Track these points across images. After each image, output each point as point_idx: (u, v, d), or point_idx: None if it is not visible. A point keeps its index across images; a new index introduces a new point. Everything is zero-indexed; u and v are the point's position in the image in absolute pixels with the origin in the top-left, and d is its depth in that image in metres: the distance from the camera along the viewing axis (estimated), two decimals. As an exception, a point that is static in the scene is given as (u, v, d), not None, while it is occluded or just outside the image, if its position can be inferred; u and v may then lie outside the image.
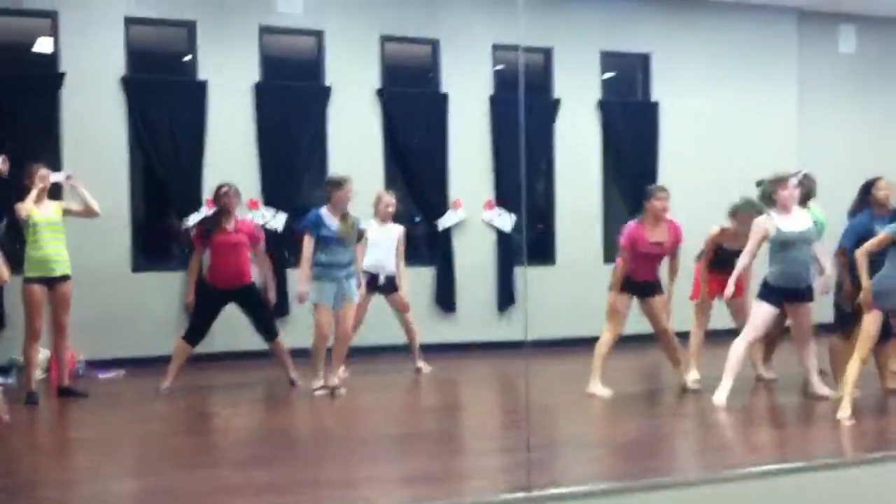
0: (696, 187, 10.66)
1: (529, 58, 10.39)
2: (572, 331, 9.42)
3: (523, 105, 9.07)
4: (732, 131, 10.98)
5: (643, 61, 10.86)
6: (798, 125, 11.32)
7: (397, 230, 8.18)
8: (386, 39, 9.84)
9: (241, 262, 7.49)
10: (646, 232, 7.01)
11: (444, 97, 10.00)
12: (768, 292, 6.73)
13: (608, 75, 10.76)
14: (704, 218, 10.52)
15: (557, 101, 10.41)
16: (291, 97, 9.52)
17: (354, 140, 9.69)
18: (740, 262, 6.79)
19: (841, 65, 11.69)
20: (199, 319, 7.53)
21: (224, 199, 7.52)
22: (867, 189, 7.14)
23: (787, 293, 6.73)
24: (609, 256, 10.20)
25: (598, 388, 7.04)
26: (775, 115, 11.21)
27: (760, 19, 11.09)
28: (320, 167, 9.61)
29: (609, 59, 10.72)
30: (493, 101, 10.12)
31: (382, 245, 8.08)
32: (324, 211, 7.17)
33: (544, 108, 10.35)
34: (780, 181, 6.75)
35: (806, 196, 7.49)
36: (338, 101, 9.63)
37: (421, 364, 8.45)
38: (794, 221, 6.70)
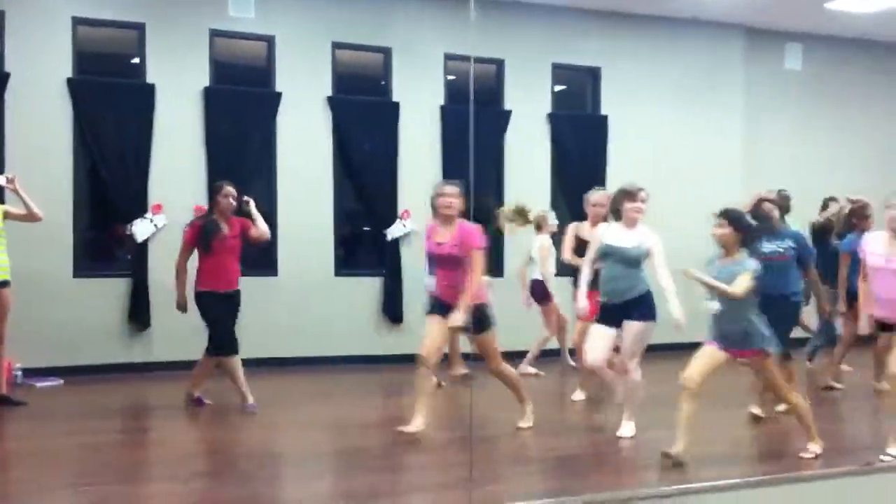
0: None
1: (481, 69, 10.44)
2: (523, 344, 9.39)
3: (474, 115, 9.19)
4: (680, 145, 11.14)
5: (593, 75, 10.97)
6: (744, 140, 11.51)
7: None
8: (337, 46, 9.82)
9: (237, 265, 7.16)
10: (433, 231, 6.24)
11: (396, 106, 10.00)
12: (600, 310, 6.35)
13: (559, 88, 10.84)
14: (651, 229, 10.69)
15: (508, 113, 10.47)
16: (241, 102, 9.45)
17: (304, 147, 9.65)
18: (582, 276, 6.52)
19: (787, 81, 11.91)
20: (223, 326, 7.04)
21: (223, 200, 7.13)
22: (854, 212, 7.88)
23: (614, 309, 6.22)
24: (557, 267, 10.28)
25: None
26: (722, 129, 11.38)
27: (708, 35, 11.26)
28: (269, 174, 9.56)
29: (560, 72, 10.81)
30: (444, 110, 10.15)
31: None
32: None
33: (495, 119, 10.40)
34: (628, 193, 6.38)
35: (783, 212, 7.70)
36: (288, 108, 9.58)
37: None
38: (627, 237, 6.27)
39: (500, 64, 10.47)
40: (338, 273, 9.76)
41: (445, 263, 6.12)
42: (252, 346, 7.64)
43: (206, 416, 7.38)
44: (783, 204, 7.70)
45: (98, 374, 8.39)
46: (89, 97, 8.85)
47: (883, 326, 5.93)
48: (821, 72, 12.00)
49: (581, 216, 9.63)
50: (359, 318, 8.37)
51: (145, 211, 8.96)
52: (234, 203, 7.18)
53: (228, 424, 6.93)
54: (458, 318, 5.89)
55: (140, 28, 9.11)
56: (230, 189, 7.17)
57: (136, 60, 9.19)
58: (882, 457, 5.54)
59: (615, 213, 6.39)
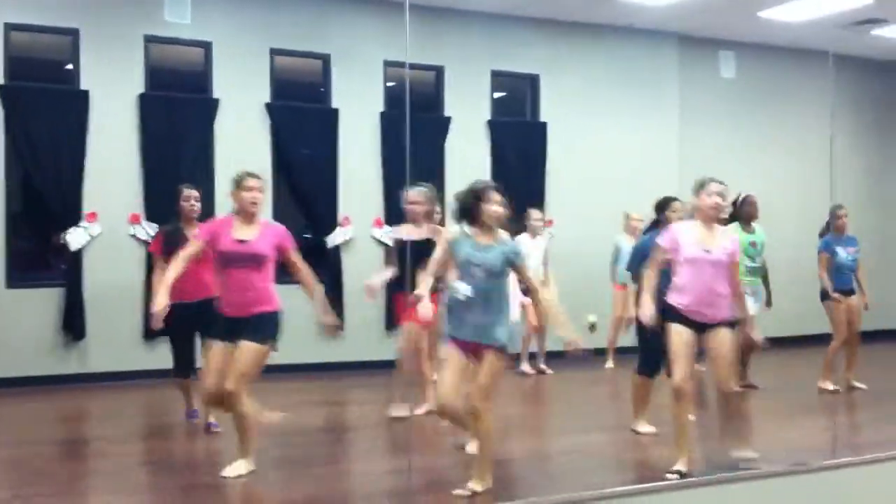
0: (582, 206, 10.95)
1: (420, 76, 10.47)
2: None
3: (412, 122, 9.17)
4: (618, 151, 11.28)
5: (532, 82, 11.06)
6: (679, 146, 11.70)
7: None
8: (276, 53, 9.77)
9: (209, 273, 6.09)
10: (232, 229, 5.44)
11: (335, 112, 9.97)
12: None
13: (498, 95, 10.91)
14: (590, 235, 10.90)
15: (448, 119, 10.50)
16: (177, 109, 9.35)
17: (242, 154, 9.49)
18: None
19: (721, 89, 12.14)
20: (181, 346, 6.66)
21: (185, 205, 6.71)
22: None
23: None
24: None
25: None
26: (658, 136, 11.56)
27: (644, 44, 11.43)
28: (206, 181, 9.43)
29: (499, 79, 10.88)
30: (384, 117, 10.14)
31: None
32: None
33: (435, 126, 10.43)
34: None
35: (749, 217, 8.15)
36: (226, 114, 9.50)
37: None
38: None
39: (439, 71, 10.51)
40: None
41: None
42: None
43: (152, 427, 7.28)
44: (751, 210, 8.15)
45: (32, 386, 8.21)
46: (21, 104, 8.69)
47: (687, 323, 5.38)
48: (754, 79, 12.26)
49: (521, 221, 9.78)
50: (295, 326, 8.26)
51: (80, 219, 8.80)
52: (198, 206, 6.80)
53: (176, 436, 6.84)
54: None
55: (74, 34, 8.96)
56: (191, 192, 6.76)
57: (70, 67, 9.04)
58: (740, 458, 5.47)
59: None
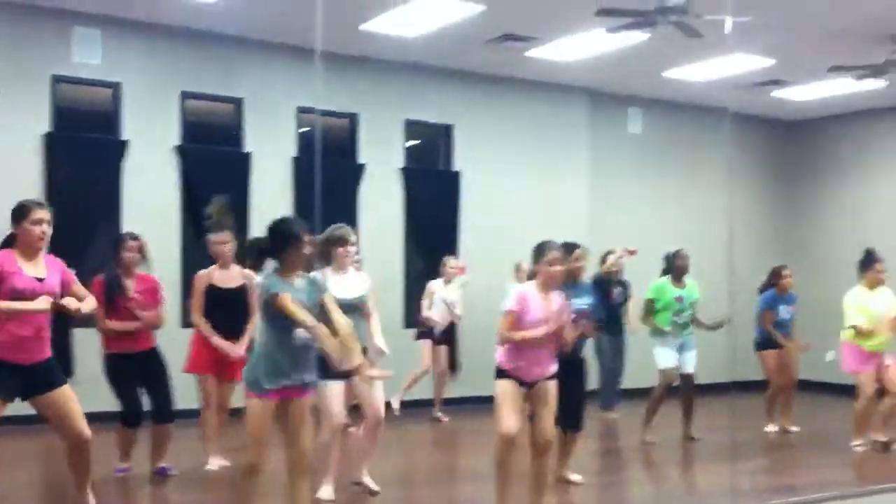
0: (495, 254, 11.04)
1: (335, 122, 10.51)
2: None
3: (326, 168, 9.19)
4: (529, 202, 11.45)
5: (446, 131, 11.19)
6: (589, 198, 11.94)
7: None
8: (187, 96, 9.69)
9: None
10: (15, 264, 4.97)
11: (247, 157, 9.92)
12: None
13: (412, 143, 11.01)
14: (502, 283, 10.96)
15: (362, 166, 10.54)
16: (85, 150, 9.18)
17: (151, 197, 9.42)
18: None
19: (629, 144, 12.48)
20: (126, 393, 6.47)
21: (126, 253, 6.51)
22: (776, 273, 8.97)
23: None
24: (409, 321, 10.36)
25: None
26: (568, 189, 11.79)
27: (556, 98, 11.70)
28: (113, 223, 9.27)
29: (413, 128, 10.98)
30: (297, 162, 10.12)
31: None
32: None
33: (349, 173, 10.45)
34: (339, 240, 6.01)
35: (680, 272, 8.45)
36: (135, 156, 9.36)
37: None
38: (347, 285, 5.90)
39: (353, 118, 10.56)
40: (184, 325, 9.51)
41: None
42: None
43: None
44: (683, 264, 8.52)
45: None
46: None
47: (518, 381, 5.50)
48: (659, 135, 12.64)
49: (435, 269, 9.87)
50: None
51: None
52: (140, 255, 6.59)
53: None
54: None
55: (-24, 72, 8.76)
56: (133, 243, 6.56)
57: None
58: None
59: (325, 257, 5.90)
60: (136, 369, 6.40)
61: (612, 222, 11.76)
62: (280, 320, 4.66)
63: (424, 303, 9.77)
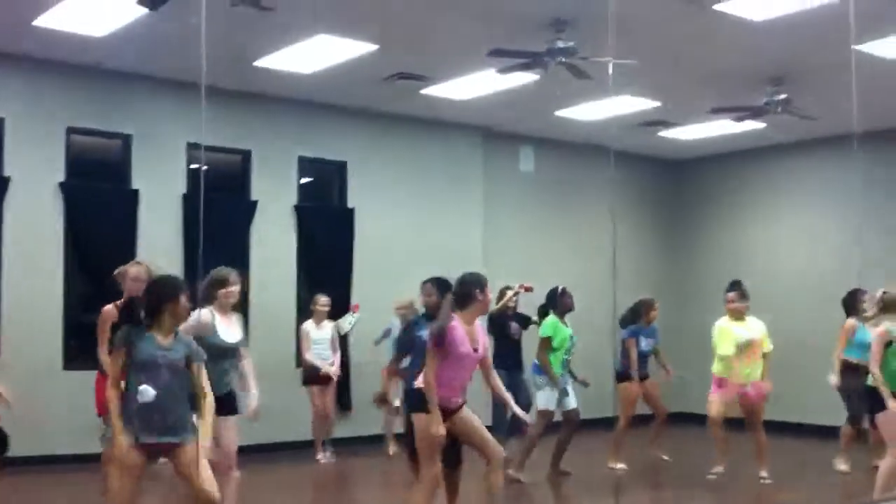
0: (389, 291, 11.01)
1: (227, 158, 10.38)
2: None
3: (218, 205, 9.09)
4: (425, 239, 11.49)
5: (340, 168, 11.16)
6: (484, 237, 12.06)
7: None
8: (73, 132, 9.42)
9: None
10: None
11: (135, 193, 9.69)
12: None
13: (305, 180, 10.95)
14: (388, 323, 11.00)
15: (255, 203, 10.41)
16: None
17: (34, 235, 9.10)
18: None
19: (522, 182, 12.68)
20: None
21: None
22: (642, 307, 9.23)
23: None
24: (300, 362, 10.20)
25: None
26: (463, 226, 11.89)
27: (450, 136, 11.83)
28: (-9, 265, 8.93)
29: (306, 165, 10.93)
30: (186, 199, 9.94)
31: None
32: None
33: (241, 209, 10.32)
34: (221, 282, 5.95)
35: (566, 309, 8.55)
36: (17, 193, 9.03)
37: None
38: (229, 329, 5.92)
39: (246, 154, 10.45)
40: (66, 366, 9.18)
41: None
42: None
43: None
44: (568, 302, 8.66)
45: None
46: None
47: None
48: (550, 173, 12.88)
49: (331, 306, 9.76)
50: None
51: None
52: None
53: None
54: None
55: None
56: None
57: None
58: None
59: (207, 299, 5.86)
60: None
61: (505, 259, 11.89)
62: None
63: (304, 346, 9.69)
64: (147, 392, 4.74)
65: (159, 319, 4.88)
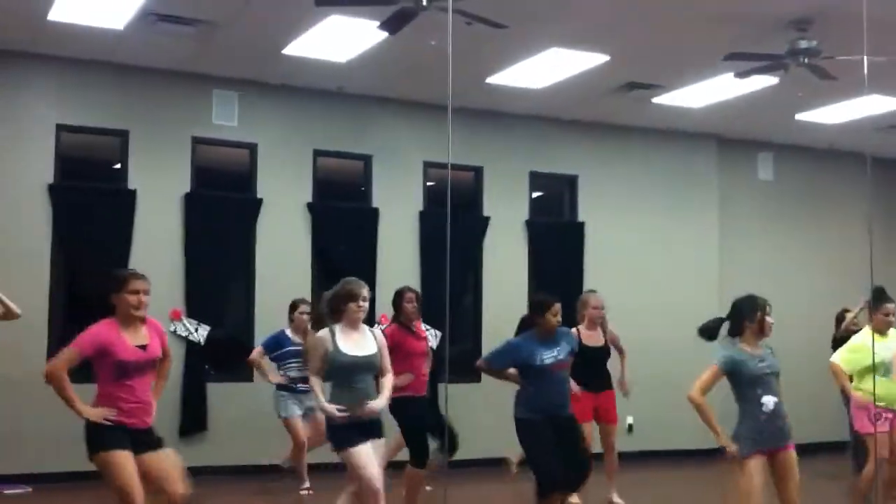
0: (622, 307, 10.85)
1: (460, 175, 10.60)
2: (495, 451, 9.19)
3: (453, 221, 9.27)
4: (656, 253, 11.26)
5: (570, 183, 11.14)
6: (719, 249, 11.65)
7: None
8: (319, 154, 9.96)
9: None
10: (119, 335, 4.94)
11: (375, 212, 10.10)
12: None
13: (536, 195, 11.00)
14: (629, 338, 10.83)
15: (487, 219, 10.58)
16: (221, 208, 9.52)
17: (283, 253, 9.67)
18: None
19: (760, 191, 12.13)
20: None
21: (407, 304, 7.06)
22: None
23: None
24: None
25: None
26: (697, 238, 11.54)
27: (683, 145, 11.52)
28: (247, 279, 9.56)
29: (537, 180, 10.98)
30: (423, 216, 10.25)
31: None
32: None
33: (473, 225, 10.51)
34: (350, 296, 5.55)
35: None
36: (268, 214, 9.65)
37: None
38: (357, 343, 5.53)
39: (478, 171, 10.64)
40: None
41: None
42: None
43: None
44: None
45: (71, 481, 8.20)
46: (70, 202, 8.88)
47: None
48: (792, 181, 12.24)
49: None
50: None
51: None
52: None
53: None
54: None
55: (124, 135, 9.21)
56: (411, 294, 7.18)
57: (118, 166, 9.29)
58: None
59: (334, 313, 5.57)
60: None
61: (743, 272, 11.41)
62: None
63: None
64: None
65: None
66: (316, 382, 5.48)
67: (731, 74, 8.60)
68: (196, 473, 6.92)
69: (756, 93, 9.48)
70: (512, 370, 6.37)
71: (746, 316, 5.25)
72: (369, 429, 5.38)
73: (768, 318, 5.27)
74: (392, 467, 6.31)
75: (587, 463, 6.27)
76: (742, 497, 5.02)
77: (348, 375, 5.38)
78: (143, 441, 4.86)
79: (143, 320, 5.00)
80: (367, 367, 5.46)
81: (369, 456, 5.32)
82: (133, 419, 4.85)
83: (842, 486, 8.10)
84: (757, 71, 8.19)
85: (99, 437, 4.81)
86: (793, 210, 12.25)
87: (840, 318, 9.53)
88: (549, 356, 6.17)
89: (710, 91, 9.69)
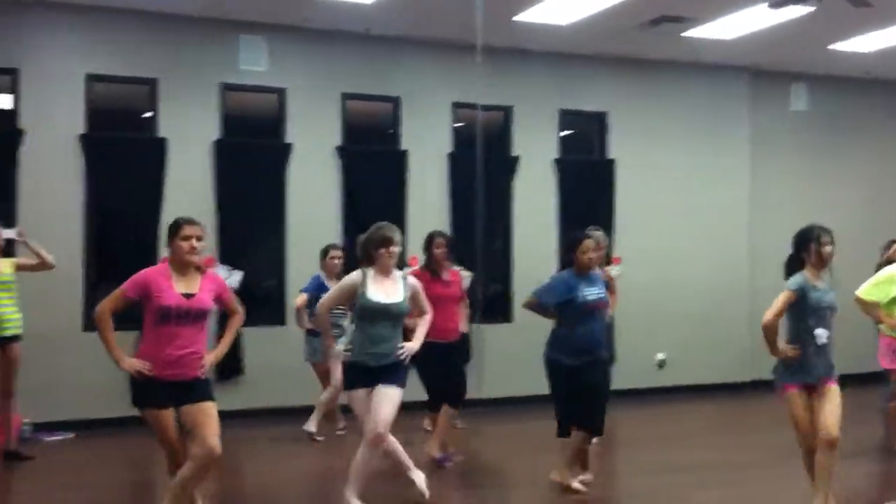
0: (652, 244, 10.85)
1: (488, 115, 10.52)
2: (528, 389, 9.27)
3: (482, 162, 9.25)
4: (687, 187, 11.18)
5: (600, 119, 11.04)
6: (751, 181, 11.53)
7: None
8: (347, 97, 9.93)
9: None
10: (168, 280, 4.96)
11: (404, 154, 10.09)
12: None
13: (565, 133, 10.92)
14: (659, 275, 10.85)
15: (516, 159, 10.53)
16: (251, 154, 9.56)
17: (314, 198, 9.72)
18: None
19: (793, 122, 11.95)
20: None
21: (436, 250, 7.15)
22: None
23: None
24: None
25: None
26: (729, 171, 11.43)
27: (714, 78, 11.35)
28: (279, 225, 9.63)
29: (567, 118, 10.88)
30: (452, 157, 10.22)
31: None
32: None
33: (503, 166, 10.47)
34: (382, 241, 5.57)
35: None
36: (298, 159, 9.68)
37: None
38: (387, 289, 5.55)
39: (507, 110, 10.57)
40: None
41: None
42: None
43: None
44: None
45: (110, 428, 8.39)
46: (101, 152, 8.96)
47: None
48: (827, 112, 12.03)
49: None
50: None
51: (155, 264, 8.99)
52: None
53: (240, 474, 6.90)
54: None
55: (152, 83, 9.24)
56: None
57: (149, 115, 9.33)
58: None
59: (367, 258, 5.64)
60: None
61: (776, 204, 11.33)
62: None
63: None
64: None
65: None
66: (324, 319, 5.81)
67: (765, 5, 8.43)
68: (234, 416, 7.12)
69: (789, 23, 9.28)
70: None
71: (802, 249, 5.28)
72: (376, 374, 5.43)
73: (825, 248, 5.25)
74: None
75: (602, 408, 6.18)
76: (790, 422, 5.21)
77: (370, 320, 5.47)
78: (185, 393, 4.86)
79: (201, 270, 5.01)
80: (390, 315, 5.49)
81: (362, 401, 5.44)
82: (173, 370, 4.82)
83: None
84: (792, 1, 8.02)
85: (139, 393, 4.88)
86: (826, 140, 12.06)
87: (888, 248, 9.27)
88: (591, 293, 6.09)
89: (743, 22, 9.50)
